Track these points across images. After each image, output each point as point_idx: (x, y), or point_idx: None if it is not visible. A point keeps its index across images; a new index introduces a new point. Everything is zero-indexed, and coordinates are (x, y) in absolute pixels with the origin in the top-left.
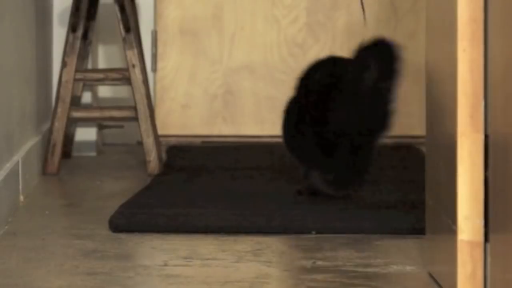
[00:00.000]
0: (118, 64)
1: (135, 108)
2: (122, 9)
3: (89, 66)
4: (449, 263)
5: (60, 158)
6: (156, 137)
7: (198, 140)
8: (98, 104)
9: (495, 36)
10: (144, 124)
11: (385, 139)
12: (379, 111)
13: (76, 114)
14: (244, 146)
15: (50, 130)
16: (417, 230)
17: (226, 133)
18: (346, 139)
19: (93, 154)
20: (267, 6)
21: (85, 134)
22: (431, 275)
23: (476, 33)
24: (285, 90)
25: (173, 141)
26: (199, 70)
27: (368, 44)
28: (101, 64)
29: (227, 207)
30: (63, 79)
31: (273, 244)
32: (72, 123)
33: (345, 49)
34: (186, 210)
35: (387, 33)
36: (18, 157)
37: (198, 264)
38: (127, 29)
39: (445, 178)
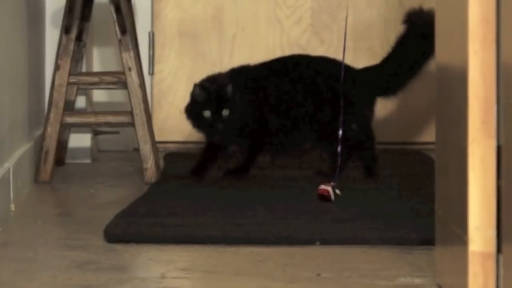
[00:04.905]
0: (113, 67)
1: (131, 113)
2: (118, 9)
3: (84, 69)
4: (460, 275)
5: (53, 166)
6: (154, 143)
7: (197, 147)
8: (93, 109)
9: (508, 37)
10: (141, 130)
11: (393, 146)
12: None
13: (70, 119)
14: None
15: (43, 136)
16: (427, 240)
17: None
18: None
19: (88, 161)
20: (269, 6)
21: (79, 140)
22: None
23: (488, 34)
24: None
25: (171, 147)
26: (198, 73)
27: None
28: (96, 67)
29: (227, 216)
30: (56, 83)
31: (275, 255)
32: (65, 129)
33: (350, 51)
34: (184, 220)
35: (395, 34)
36: (9, 164)
37: (197, 277)
38: (123, 31)
39: (455, 187)
